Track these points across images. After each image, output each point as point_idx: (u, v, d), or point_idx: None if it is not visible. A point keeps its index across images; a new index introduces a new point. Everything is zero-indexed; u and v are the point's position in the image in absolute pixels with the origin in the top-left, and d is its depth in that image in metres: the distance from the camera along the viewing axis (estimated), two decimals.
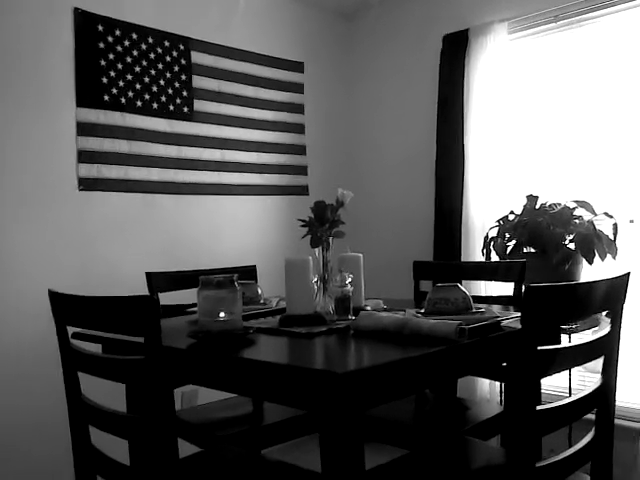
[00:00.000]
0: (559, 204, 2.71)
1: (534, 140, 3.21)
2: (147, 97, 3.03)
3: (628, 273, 1.52)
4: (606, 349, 1.48)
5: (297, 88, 3.74)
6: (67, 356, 1.54)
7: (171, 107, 3.12)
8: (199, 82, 3.25)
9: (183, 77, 3.18)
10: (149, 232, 3.03)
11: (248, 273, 2.55)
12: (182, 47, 3.19)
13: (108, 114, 2.88)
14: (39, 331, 2.57)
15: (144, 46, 3.03)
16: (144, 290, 2.28)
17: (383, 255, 3.74)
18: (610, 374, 1.50)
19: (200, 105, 3.24)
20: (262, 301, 2.13)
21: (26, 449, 2.59)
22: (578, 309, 1.43)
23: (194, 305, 1.78)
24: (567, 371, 2.58)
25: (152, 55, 3.06)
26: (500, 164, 3.19)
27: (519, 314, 1.59)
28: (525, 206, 2.76)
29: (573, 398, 1.41)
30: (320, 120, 3.87)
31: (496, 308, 1.89)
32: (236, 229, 3.40)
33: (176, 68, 3.16)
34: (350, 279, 1.77)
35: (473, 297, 1.77)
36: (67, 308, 1.52)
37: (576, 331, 2.43)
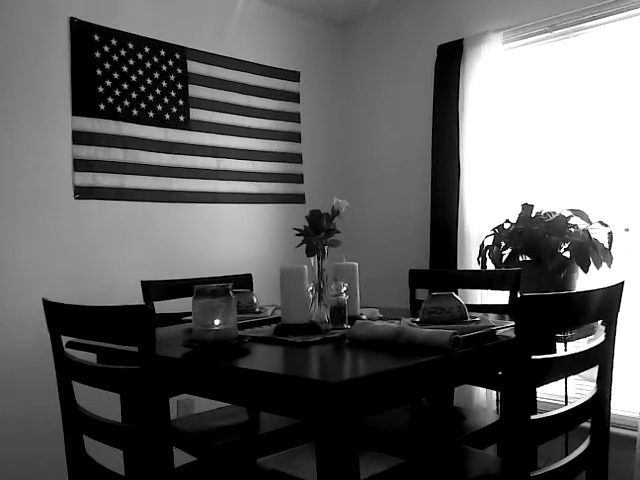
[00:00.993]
0: (554, 212, 2.72)
1: (529, 149, 3.22)
2: (143, 106, 3.04)
3: (622, 282, 1.52)
4: (601, 358, 1.48)
5: (293, 97, 3.75)
6: (61, 365, 1.54)
7: (167, 116, 3.13)
8: (195, 91, 3.26)
9: (179, 86, 3.19)
10: (144, 240, 3.03)
11: (243, 281, 2.55)
12: (178, 56, 3.20)
13: (104, 123, 2.89)
14: (34, 339, 2.57)
15: (140, 55, 3.04)
16: (140, 298, 2.28)
17: (379, 264, 3.74)
18: (605, 383, 1.51)
19: (196, 114, 3.25)
20: (257, 310, 2.13)
21: (21, 457, 2.58)
22: (572, 319, 1.43)
23: (190, 314, 1.78)
24: (563, 379, 2.58)
25: (148, 64, 3.07)
26: (495, 173, 3.20)
27: (514, 323, 1.59)
28: (520, 214, 2.77)
29: (568, 407, 1.41)
30: (316, 129, 3.88)
31: (491, 317, 1.89)
32: (232, 237, 3.40)
33: (172, 77, 3.17)
34: (345, 288, 1.77)
35: (469, 305, 1.77)
36: (61, 318, 1.51)
37: (571, 339, 2.43)
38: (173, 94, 3.17)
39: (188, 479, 1.75)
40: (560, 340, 2.40)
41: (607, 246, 2.60)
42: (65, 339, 1.58)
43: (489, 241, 2.82)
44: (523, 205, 2.80)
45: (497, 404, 3.02)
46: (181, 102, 3.19)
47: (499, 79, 3.20)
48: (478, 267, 2.89)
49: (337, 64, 4.04)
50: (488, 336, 1.57)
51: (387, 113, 3.84)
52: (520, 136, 3.25)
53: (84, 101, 2.83)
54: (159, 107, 3.10)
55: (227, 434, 2.06)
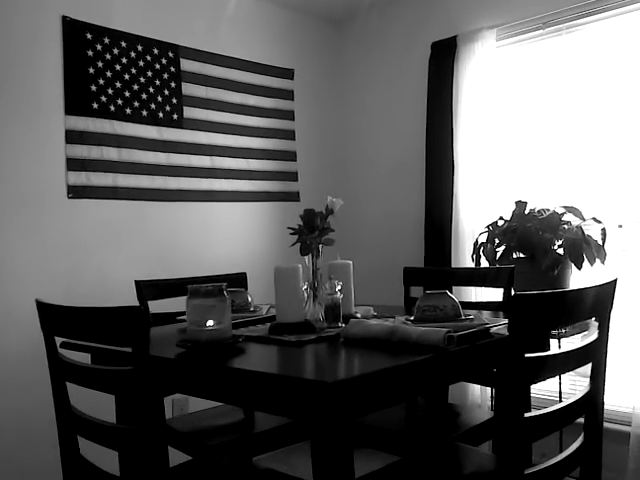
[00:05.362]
0: (548, 209, 2.73)
1: (523, 146, 3.22)
2: (136, 104, 3.03)
3: (615, 279, 1.52)
4: (594, 355, 1.49)
5: (287, 95, 3.74)
6: (55, 366, 1.53)
7: (160, 114, 3.12)
8: (189, 89, 3.24)
9: (172, 84, 3.18)
10: (139, 239, 3.03)
11: (238, 280, 2.55)
12: (171, 54, 3.19)
13: (97, 122, 2.88)
14: (28, 339, 2.56)
15: (133, 54, 3.03)
16: (134, 298, 2.28)
17: (373, 262, 3.75)
18: (598, 380, 1.51)
19: (190, 112, 3.24)
20: (252, 309, 2.13)
21: (16, 458, 2.57)
22: (566, 316, 1.43)
23: (185, 313, 1.77)
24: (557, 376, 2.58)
25: (141, 63, 3.06)
26: (489, 170, 3.21)
27: (508, 320, 1.60)
28: (514, 212, 2.78)
29: (561, 405, 1.42)
30: (310, 126, 3.87)
31: (486, 314, 1.89)
32: (226, 236, 3.39)
33: (165, 75, 3.16)
34: (340, 286, 1.77)
35: (463, 303, 1.78)
36: (55, 318, 1.51)
37: (565, 336, 2.44)
38: (166, 92, 3.16)
39: (183, 479, 1.75)
40: (554, 337, 2.40)
41: (600, 243, 2.61)
42: (57, 340, 1.57)
43: (483, 238, 2.83)
44: (517, 202, 2.80)
45: (492, 401, 3.03)
46: (175, 100, 3.18)
47: (493, 76, 3.20)
48: (472, 264, 2.90)
49: (331, 61, 4.04)
50: (482, 334, 1.57)
51: (381, 110, 3.84)
52: (514, 133, 3.25)
53: (77, 100, 2.82)
54: (152, 105, 3.09)
55: (222, 433, 2.06)
